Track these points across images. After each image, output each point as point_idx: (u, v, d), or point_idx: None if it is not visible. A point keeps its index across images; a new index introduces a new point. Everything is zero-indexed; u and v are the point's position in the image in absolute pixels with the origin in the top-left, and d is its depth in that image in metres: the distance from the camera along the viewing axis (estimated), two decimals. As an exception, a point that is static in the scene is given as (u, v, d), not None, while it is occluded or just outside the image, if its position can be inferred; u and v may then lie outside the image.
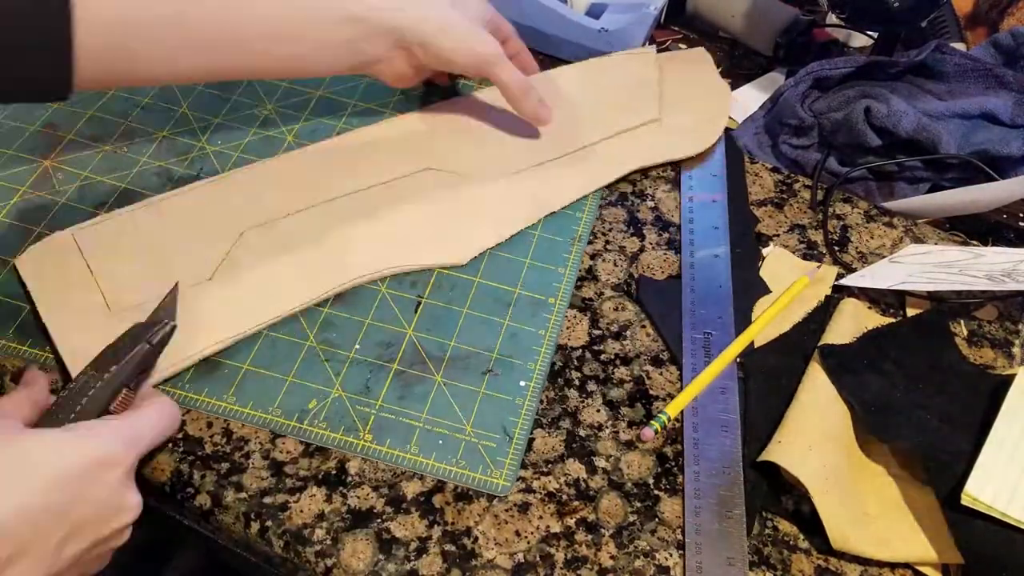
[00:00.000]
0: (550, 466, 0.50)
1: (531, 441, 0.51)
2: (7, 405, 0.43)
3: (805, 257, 0.62)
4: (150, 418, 0.44)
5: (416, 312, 0.56)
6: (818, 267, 0.60)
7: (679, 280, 0.59)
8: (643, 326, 0.57)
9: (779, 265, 0.61)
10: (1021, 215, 0.69)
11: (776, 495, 0.50)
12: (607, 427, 0.52)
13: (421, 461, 0.49)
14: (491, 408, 0.52)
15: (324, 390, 0.52)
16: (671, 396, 0.54)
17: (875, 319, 0.58)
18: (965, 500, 0.45)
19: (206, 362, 0.52)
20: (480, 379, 0.53)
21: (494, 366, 0.54)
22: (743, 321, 0.57)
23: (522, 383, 0.53)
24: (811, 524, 0.48)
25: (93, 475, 0.39)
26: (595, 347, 0.56)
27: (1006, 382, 0.52)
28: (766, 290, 0.59)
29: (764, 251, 0.62)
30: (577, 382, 0.54)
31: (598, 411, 0.53)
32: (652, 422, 0.51)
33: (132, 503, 0.42)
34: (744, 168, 0.67)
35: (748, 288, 0.59)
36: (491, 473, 0.49)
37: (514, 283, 0.58)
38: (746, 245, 0.62)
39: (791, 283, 0.59)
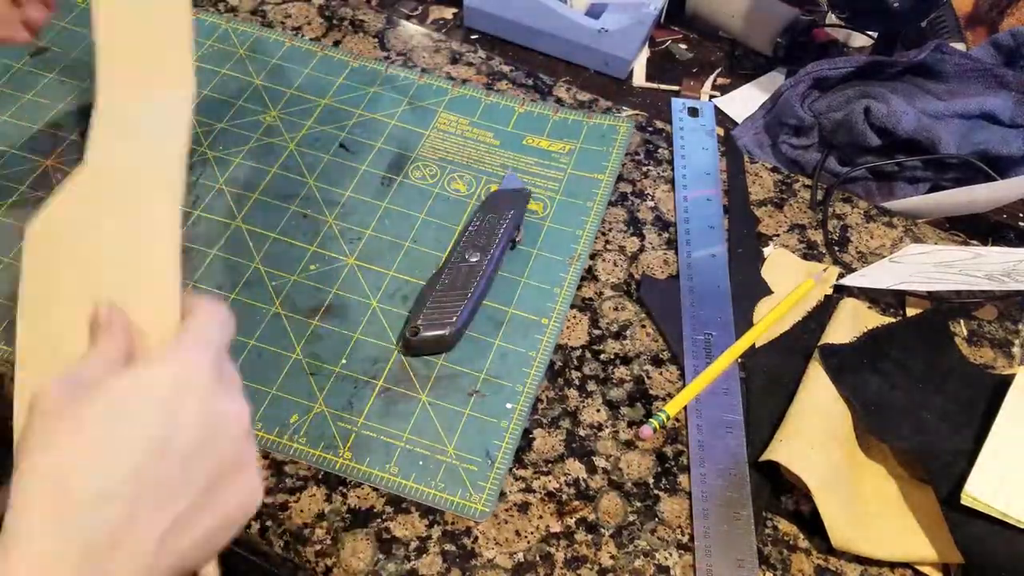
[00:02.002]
0: (550, 466, 0.50)
1: (531, 441, 0.51)
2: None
3: (805, 257, 0.62)
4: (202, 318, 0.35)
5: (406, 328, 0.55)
6: (825, 270, 0.60)
7: (679, 280, 0.59)
8: (643, 326, 0.57)
9: (780, 265, 0.61)
10: (1021, 215, 0.69)
11: (776, 495, 0.50)
12: (607, 427, 0.52)
13: (400, 482, 0.49)
14: (475, 430, 0.51)
15: (307, 404, 0.51)
16: (671, 396, 0.54)
17: (875, 319, 0.58)
18: (965, 500, 0.45)
19: None
20: (466, 400, 0.52)
21: (481, 387, 0.53)
22: (744, 322, 0.57)
23: (508, 405, 0.52)
24: (811, 524, 0.48)
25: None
26: (595, 347, 0.56)
27: (1006, 382, 0.52)
28: (767, 291, 0.59)
29: (765, 251, 0.62)
30: (577, 382, 0.54)
31: (598, 411, 0.53)
32: (651, 420, 0.51)
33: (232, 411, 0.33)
34: (744, 168, 0.67)
35: (749, 289, 0.59)
36: (470, 498, 0.48)
37: (508, 303, 0.57)
38: (747, 245, 0.62)
39: (792, 283, 0.59)
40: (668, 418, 0.52)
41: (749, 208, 0.65)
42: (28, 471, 0.30)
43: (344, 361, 0.53)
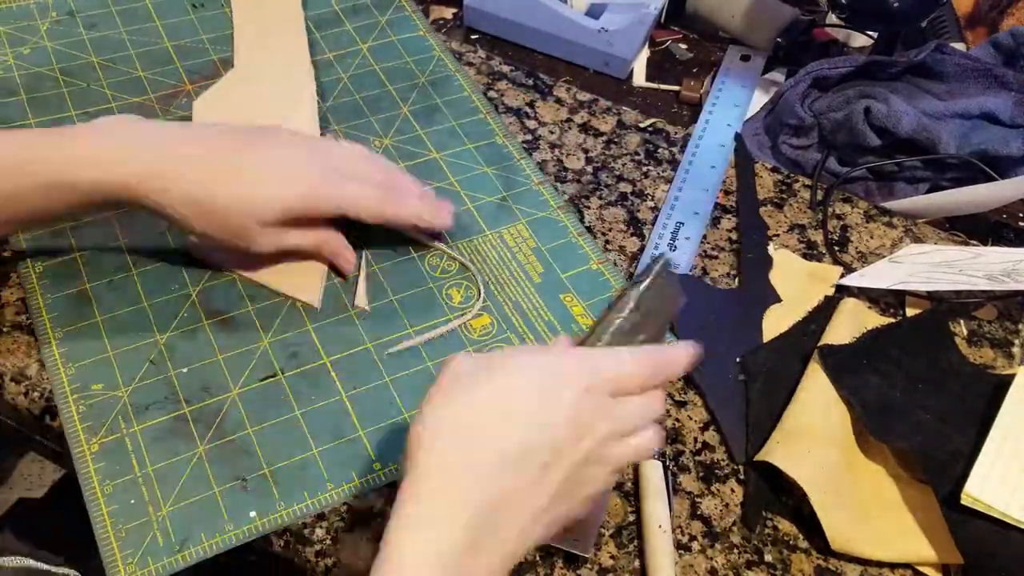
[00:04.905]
0: (550, 466, 0.50)
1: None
2: None
3: (805, 257, 0.62)
4: (622, 354, 0.38)
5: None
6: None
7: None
8: (643, 326, 0.57)
9: (786, 269, 0.60)
10: (1021, 215, 0.69)
11: (776, 495, 0.50)
12: (607, 427, 0.52)
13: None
14: None
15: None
16: (671, 396, 0.54)
17: (875, 319, 0.58)
18: (965, 500, 0.45)
19: None
20: None
21: None
22: (754, 328, 0.57)
23: None
24: (811, 524, 0.48)
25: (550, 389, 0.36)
26: (595, 347, 0.56)
27: (1006, 382, 0.51)
28: (777, 299, 0.59)
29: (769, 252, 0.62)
30: (577, 382, 0.54)
31: (598, 411, 0.53)
32: None
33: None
34: (754, 172, 0.67)
35: (759, 295, 0.59)
36: None
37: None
38: (758, 251, 0.61)
39: (796, 287, 0.59)
40: None
41: (759, 215, 0.64)
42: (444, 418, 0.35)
43: None
